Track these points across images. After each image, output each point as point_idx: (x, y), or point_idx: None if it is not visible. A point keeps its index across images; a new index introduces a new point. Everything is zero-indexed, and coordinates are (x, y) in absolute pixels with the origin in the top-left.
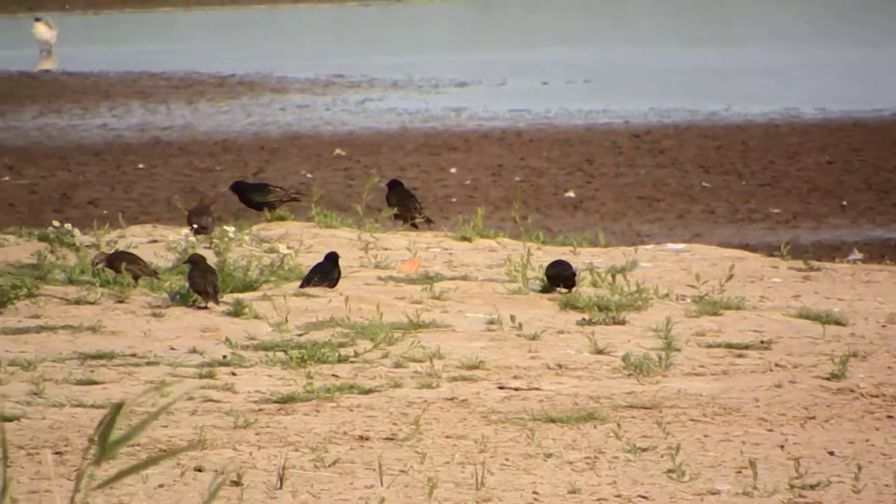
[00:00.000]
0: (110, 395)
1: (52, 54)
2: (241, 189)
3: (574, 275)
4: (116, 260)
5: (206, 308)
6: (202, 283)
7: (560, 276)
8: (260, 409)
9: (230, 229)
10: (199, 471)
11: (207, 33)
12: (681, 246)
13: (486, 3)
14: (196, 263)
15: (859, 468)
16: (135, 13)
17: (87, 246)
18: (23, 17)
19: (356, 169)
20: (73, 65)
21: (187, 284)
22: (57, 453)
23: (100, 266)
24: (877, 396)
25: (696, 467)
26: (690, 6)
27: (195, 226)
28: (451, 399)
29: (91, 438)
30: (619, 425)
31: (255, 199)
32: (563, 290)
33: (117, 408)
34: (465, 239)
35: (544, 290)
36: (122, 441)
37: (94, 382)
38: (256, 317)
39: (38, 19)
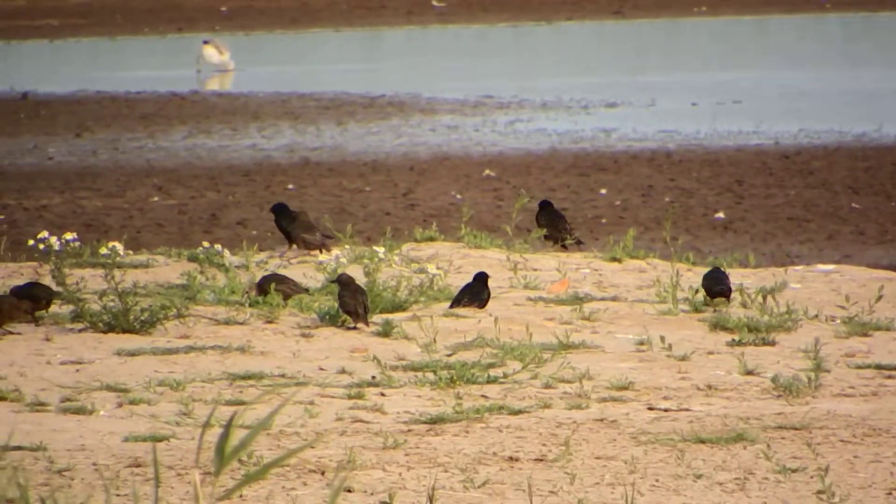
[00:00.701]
0: (259, 416)
1: (231, 73)
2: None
3: (729, 289)
4: (266, 282)
5: (355, 328)
6: (352, 303)
7: (714, 293)
8: (409, 430)
9: (380, 250)
10: (349, 491)
11: (356, 54)
12: (830, 267)
13: (634, 25)
14: (345, 284)
15: None
16: (285, 34)
17: (236, 266)
18: (172, 37)
19: (505, 189)
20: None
21: (337, 305)
22: (206, 473)
23: (252, 294)
24: None
25: (845, 488)
26: (838, 28)
27: (326, 247)
28: (601, 420)
29: (196, 457)
30: (768, 446)
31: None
32: (719, 300)
33: (231, 421)
34: (614, 260)
35: (695, 308)
36: (235, 452)
37: (243, 403)
38: (406, 337)
39: (206, 42)
